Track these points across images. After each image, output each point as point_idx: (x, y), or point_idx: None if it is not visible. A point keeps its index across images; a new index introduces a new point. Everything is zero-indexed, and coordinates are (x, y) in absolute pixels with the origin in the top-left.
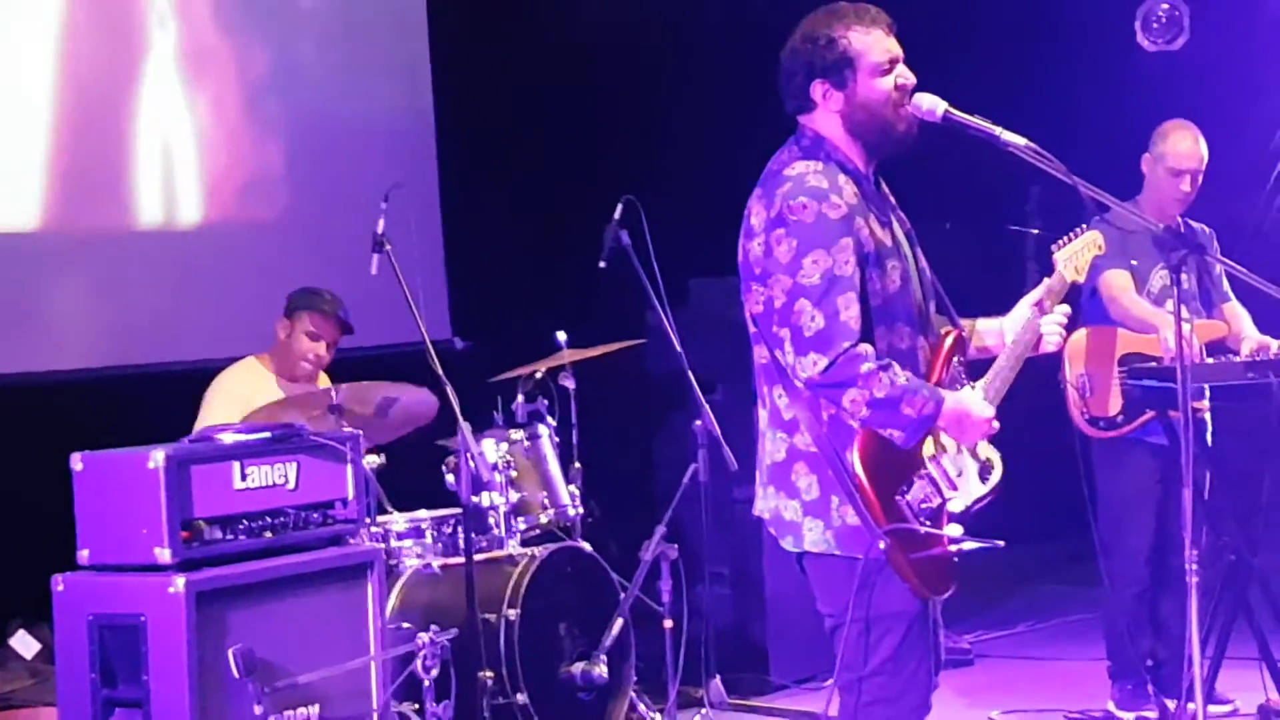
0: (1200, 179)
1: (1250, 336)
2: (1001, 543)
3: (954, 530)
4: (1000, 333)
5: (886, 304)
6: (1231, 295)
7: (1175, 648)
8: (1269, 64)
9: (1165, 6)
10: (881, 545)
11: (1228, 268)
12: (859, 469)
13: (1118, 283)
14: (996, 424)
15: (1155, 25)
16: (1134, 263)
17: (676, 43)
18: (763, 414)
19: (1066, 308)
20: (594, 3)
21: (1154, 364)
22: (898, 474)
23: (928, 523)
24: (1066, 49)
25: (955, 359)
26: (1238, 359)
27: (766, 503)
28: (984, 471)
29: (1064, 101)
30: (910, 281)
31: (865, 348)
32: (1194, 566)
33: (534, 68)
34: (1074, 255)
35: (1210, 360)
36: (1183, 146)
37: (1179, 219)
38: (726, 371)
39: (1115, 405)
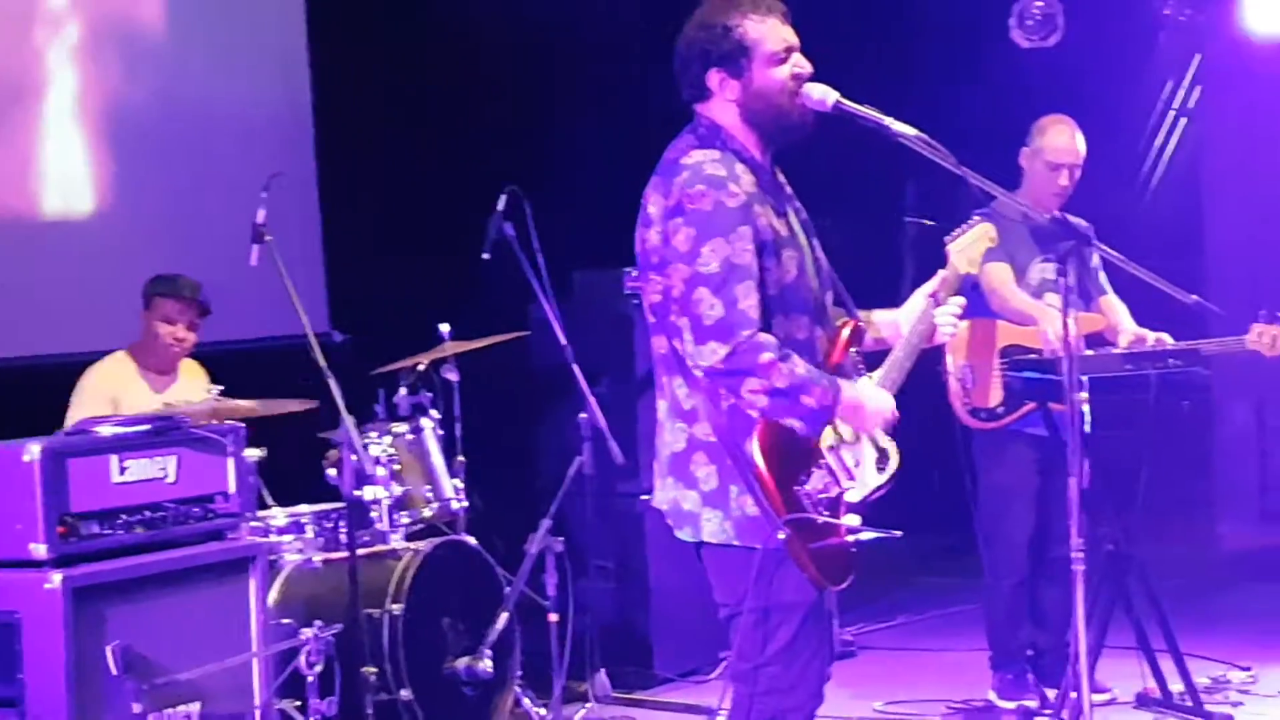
0: (1078, 173)
1: (1128, 329)
2: (899, 532)
3: (852, 520)
4: (895, 324)
5: (783, 294)
6: (1109, 288)
7: (1055, 637)
8: (1140, 60)
9: (1040, 4)
10: (781, 535)
11: (1111, 259)
12: (758, 459)
13: (998, 275)
14: (896, 413)
15: (1030, 22)
16: (1013, 256)
17: (559, 33)
18: (662, 404)
19: (961, 299)
20: None
21: (1034, 356)
22: (796, 464)
23: (826, 513)
24: (943, 46)
25: (852, 349)
26: (1116, 351)
27: (665, 494)
28: (881, 461)
29: (941, 97)
30: (806, 272)
31: (765, 337)
32: (1080, 555)
33: (415, 58)
34: (967, 247)
35: (1089, 352)
36: (1061, 141)
37: (1057, 213)
38: (610, 364)
39: (996, 397)
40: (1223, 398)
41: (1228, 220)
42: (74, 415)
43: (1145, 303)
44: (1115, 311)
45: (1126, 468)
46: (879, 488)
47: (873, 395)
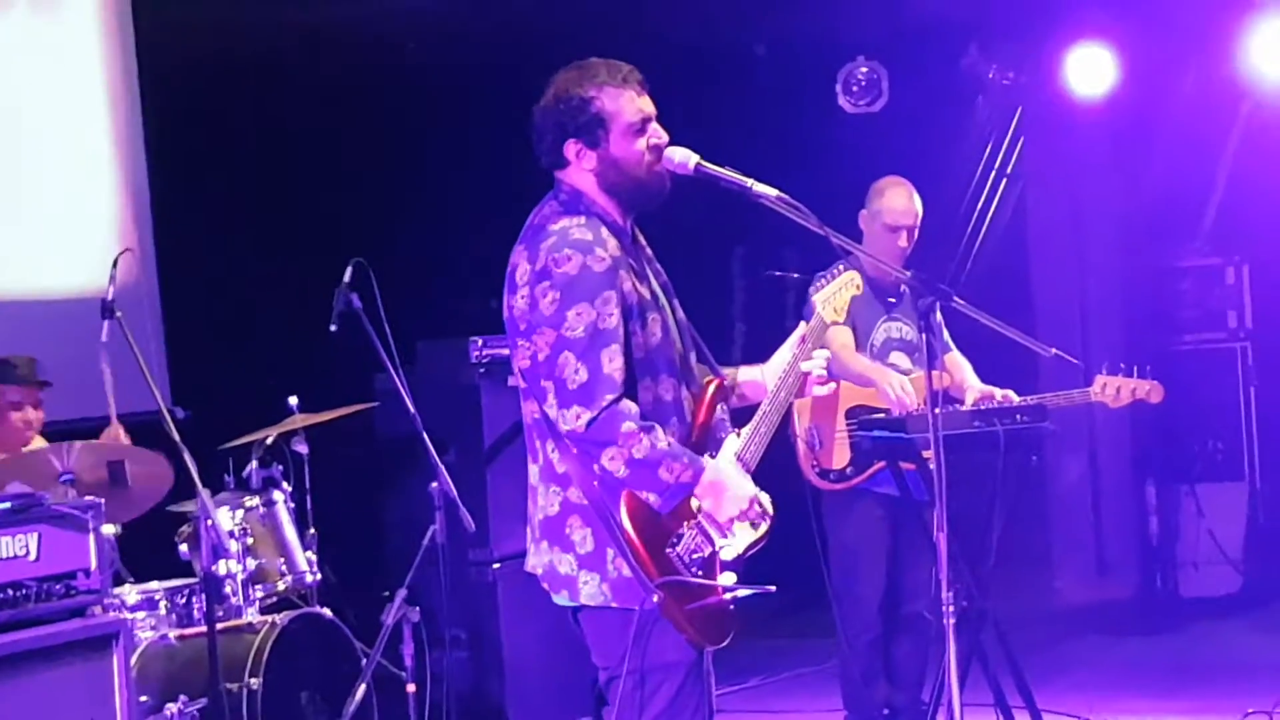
0: (916, 234)
1: (973, 386)
2: (773, 587)
3: (727, 579)
4: (760, 382)
5: (649, 356)
6: (952, 345)
7: (909, 694)
8: (963, 123)
9: (864, 69)
10: (655, 599)
11: (968, 313)
12: (627, 524)
13: (838, 339)
14: (762, 503)
15: (855, 88)
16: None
17: (403, 104)
18: (533, 469)
19: (826, 351)
20: (318, 64)
21: (881, 415)
22: (667, 527)
23: (700, 573)
24: (770, 111)
25: (719, 406)
26: (964, 409)
27: (540, 558)
28: None
29: (768, 162)
30: (670, 333)
31: (628, 405)
32: (950, 608)
33: (255, 131)
34: (831, 296)
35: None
36: (898, 203)
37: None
38: (457, 433)
39: (844, 458)
40: (1056, 451)
41: (1055, 278)
42: None
43: (984, 358)
44: (960, 369)
45: (978, 523)
46: (754, 543)
47: (737, 482)
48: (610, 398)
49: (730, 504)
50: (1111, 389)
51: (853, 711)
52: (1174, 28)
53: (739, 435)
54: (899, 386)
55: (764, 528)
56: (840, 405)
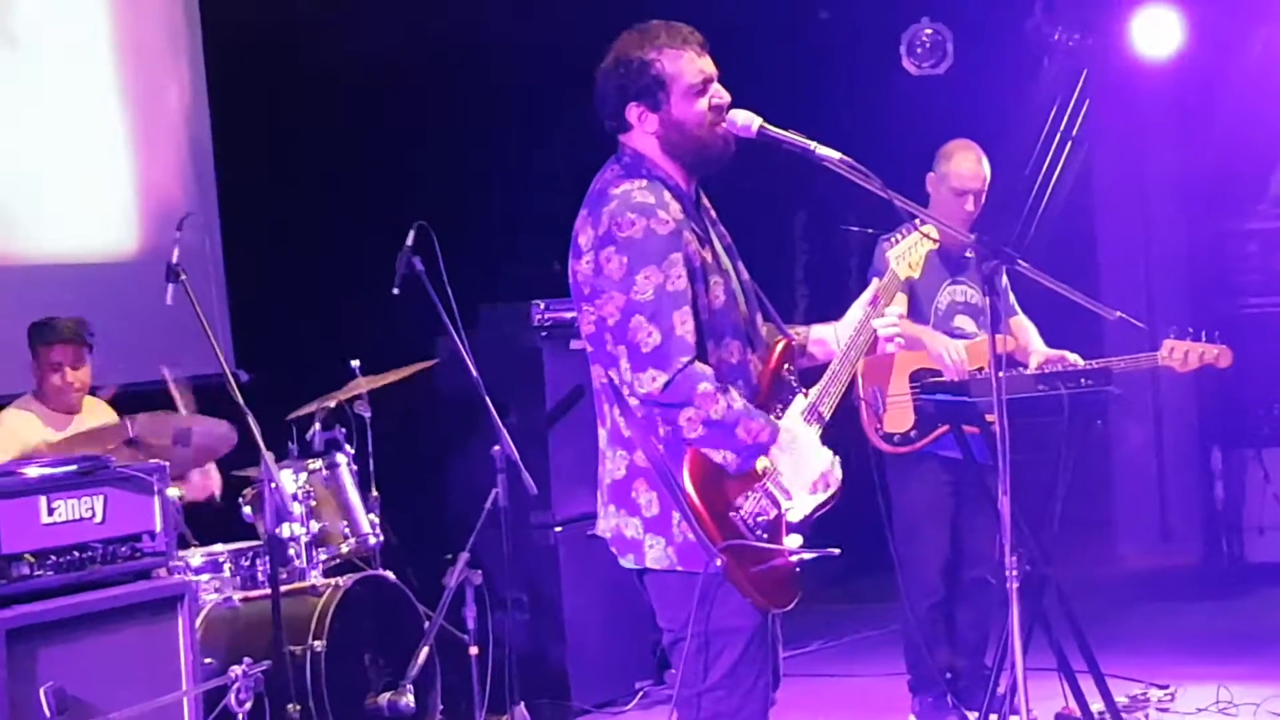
0: (983, 197)
1: (1038, 350)
2: (837, 550)
3: (793, 541)
4: (831, 340)
5: (713, 319)
6: (1018, 309)
7: (971, 659)
8: (1028, 85)
9: (929, 32)
10: (718, 563)
11: (1034, 277)
12: (690, 487)
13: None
14: (837, 473)
15: (919, 50)
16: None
17: (467, 69)
18: (602, 433)
19: (899, 308)
20: (382, 27)
21: (944, 379)
22: (732, 489)
23: (765, 536)
24: (834, 74)
25: (786, 367)
26: (1028, 372)
27: (607, 522)
28: None
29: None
30: (735, 295)
31: (703, 366)
32: (1014, 573)
33: (319, 92)
34: (906, 251)
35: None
36: (966, 166)
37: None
38: (518, 396)
39: (907, 421)
40: (1119, 416)
41: (1119, 242)
42: None
43: (1050, 322)
44: (1025, 332)
45: (1041, 488)
46: (820, 506)
47: (811, 441)
48: (685, 359)
49: (808, 467)
50: (1179, 353)
51: (916, 674)
52: None
53: (806, 395)
54: (953, 350)
55: (831, 489)
56: (904, 369)
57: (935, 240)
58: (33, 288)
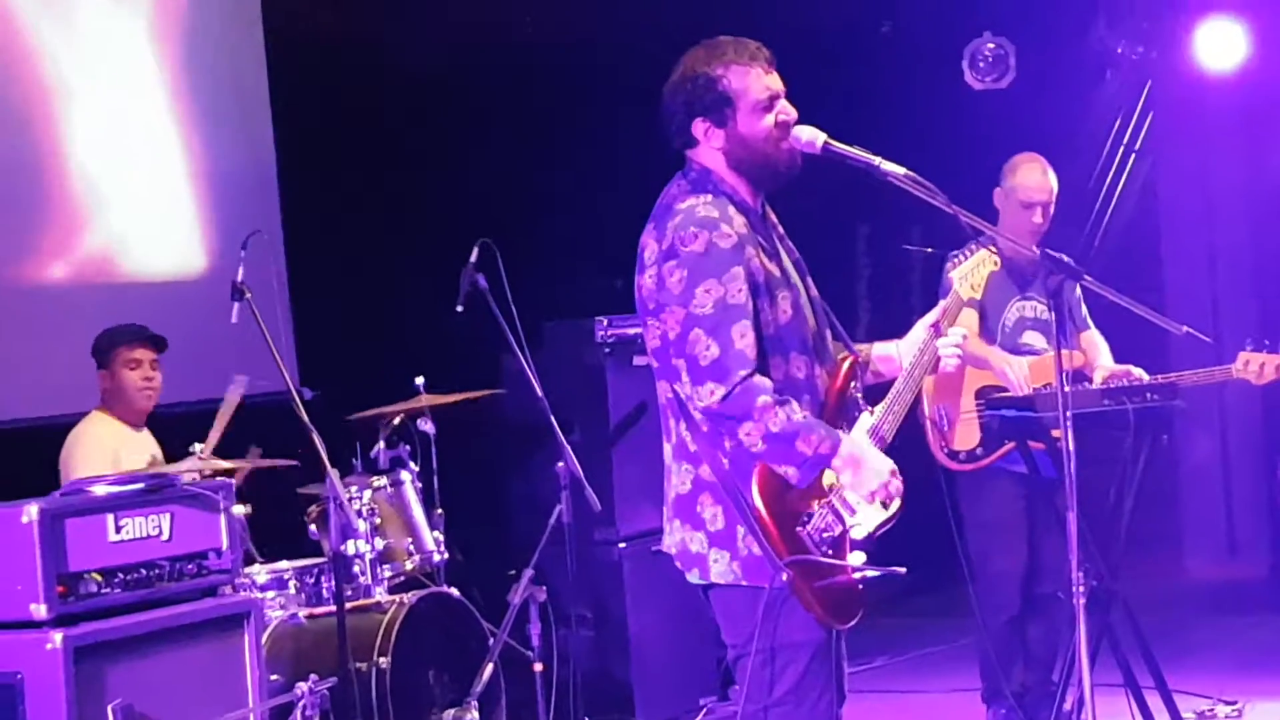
0: (1051, 210)
1: (1104, 365)
2: (903, 569)
3: (857, 558)
4: (894, 358)
5: (780, 334)
6: (1090, 323)
7: (1040, 674)
8: (1091, 98)
9: (991, 46)
10: (784, 577)
11: (1099, 291)
12: (758, 501)
13: (962, 320)
14: (898, 484)
15: (982, 64)
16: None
17: (529, 86)
18: (667, 448)
19: (963, 329)
20: (447, 45)
21: (1010, 394)
22: (798, 504)
23: (830, 552)
24: (897, 89)
25: (852, 385)
26: (1094, 387)
27: (673, 537)
28: None
29: (899, 141)
30: (802, 310)
31: (762, 380)
32: (1081, 589)
33: (382, 111)
34: (969, 273)
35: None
36: (1032, 179)
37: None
38: (581, 413)
39: (973, 438)
40: (1186, 430)
41: (1185, 255)
42: (80, 474)
43: (1108, 337)
44: (1095, 348)
45: (1106, 503)
46: (884, 523)
47: (875, 455)
48: (744, 373)
49: (869, 477)
50: (1255, 365)
51: (989, 687)
52: None
53: (872, 413)
54: (1017, 369)
55: (895, 506)
56: (971, 386)
57: (996, 263)
58: (98, 308)
